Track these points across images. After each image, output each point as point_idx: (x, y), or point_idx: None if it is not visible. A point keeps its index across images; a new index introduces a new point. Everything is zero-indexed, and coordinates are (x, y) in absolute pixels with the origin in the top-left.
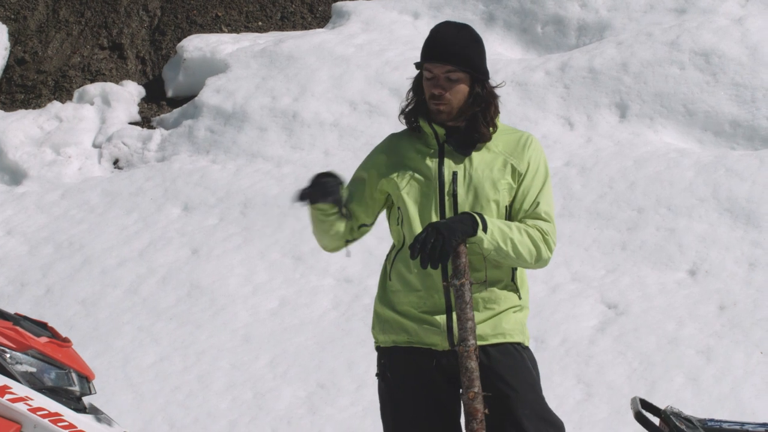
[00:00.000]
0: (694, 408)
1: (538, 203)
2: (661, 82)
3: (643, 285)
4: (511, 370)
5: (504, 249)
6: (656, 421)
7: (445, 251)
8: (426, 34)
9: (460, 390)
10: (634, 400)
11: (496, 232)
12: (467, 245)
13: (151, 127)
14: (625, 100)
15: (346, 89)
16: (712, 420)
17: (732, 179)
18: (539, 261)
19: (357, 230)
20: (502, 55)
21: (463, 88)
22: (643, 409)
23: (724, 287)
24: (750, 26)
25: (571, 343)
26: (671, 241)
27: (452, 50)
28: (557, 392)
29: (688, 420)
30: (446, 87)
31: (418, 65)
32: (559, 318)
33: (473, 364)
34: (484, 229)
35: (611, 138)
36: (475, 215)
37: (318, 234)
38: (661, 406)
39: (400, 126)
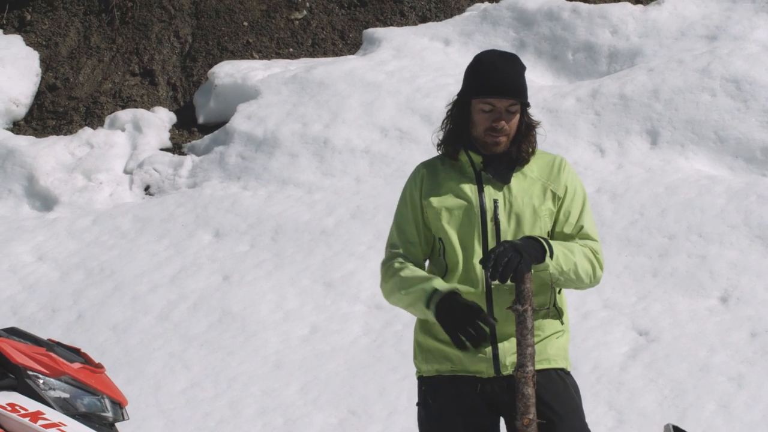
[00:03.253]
0: None
1: (582, 225)
2: (692, 108)
3: (675, 312)
4: (556, 396)
5: (567, 273)
6: None
7: (520, 270)
8: (457, 60)
9: (515, 415)
10: (667, 427)
11: (561, 257)
12: (532, 271)
13: (182, 153)
14: (656, 127)
15: (377, 116)
16: None
17: (763, 206)
18: (594, 280)
19: (424, 264)
20: (533, 81)
21: (518, 119)
22: None
23: (756, 314)
24: None
25: (602, 370)
26: (702, 268)
27: (515, 84)
28: (589, 419)
29: None
30: (507, 120)
31: (467, 96)
32: (590, 345)
33: (530, 391)
34: (551, 255)
35: (642, 165)
36: (541, 240)
37: (406, 308)
38: None
39: (431, 152)
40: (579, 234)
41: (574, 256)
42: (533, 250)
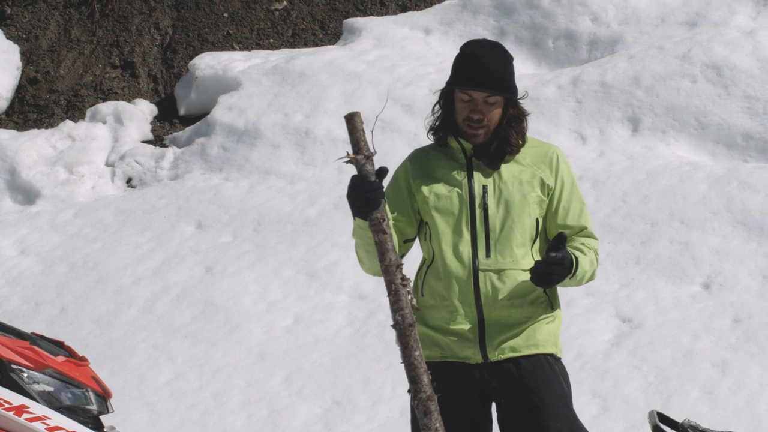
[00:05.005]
0: (710, 421)
1: (584, 224)
2: (673, 95)
3: (658, 299)
4: (542, 383)
5: (571, 284)
6: None
7: (556, 282)
8: (437, 49)
9: (503, 402)
10: (651, 413)
11: (579, 276)
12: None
13: (163, 146)
14: (637, 114)
15: (358, 105)
16: None
17: (745, 192)
18: (590, 281)
19: (403, 245)
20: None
21: (499, 111)
22: (660, 422)
23: (739, 300)
24: (761, 39)
25: (586, 358)
26: (685, 255)
27: (493, 76)
28: (573, 407)
29: None
30: (485, 111)
31: (450, 85)
32: (573, 332)
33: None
34: (573, 274)
35: (624, 152)
36: (572, 257)
37: (365, 255)
38: (678, 419)
39: (413, 141)
40: (584, 232)
41: (587, 271)
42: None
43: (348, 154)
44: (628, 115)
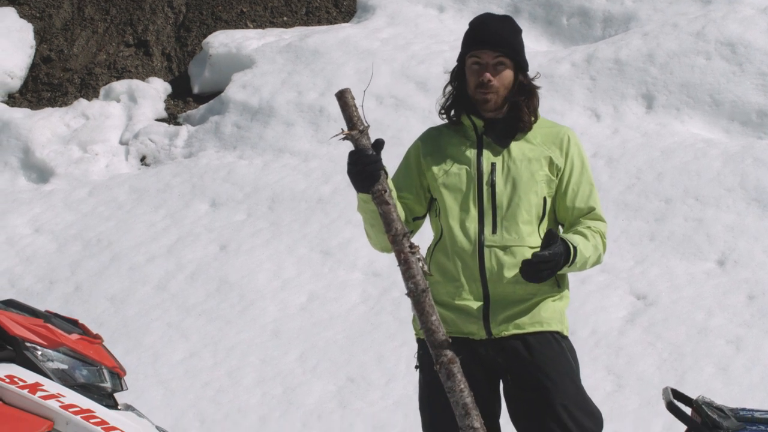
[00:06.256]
0: (725, 398)
1: (593, 206)
2: (687, 72)
3: (672, 275)
4: (550, 361)
5: (575, 270)
6: (688, 411)
7: (547, 277)
8: (451, 27)
9: (508, 377)
10: (665, 390)
11: (579, 263)
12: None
13: (177, 124)
14: (651, 91)
15: (372, 83)
16: (743, 409)
17: (759, 168)
18: (597, 265)
19: (411, 223)
20: (528, 47)
21: (509, 75)
22: (674, 399)
23: (753, 277)
24: None
25: (600, 335)
26: (699, 232)
27: (501, 37)
28: (587, 384)
29: (719, 409)
30: (494, 74)
31: (460, 56)
32: (588, 309)
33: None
34: (572, 262)
35: (638, 129)
36: (571, 246)
37: (371, 230)
38: (692, 396)
39: (426, 119)
40: (592, 213)
41: (589, 258)
42: (559, 262)
43: (342, 130)
44: (643, 93)
